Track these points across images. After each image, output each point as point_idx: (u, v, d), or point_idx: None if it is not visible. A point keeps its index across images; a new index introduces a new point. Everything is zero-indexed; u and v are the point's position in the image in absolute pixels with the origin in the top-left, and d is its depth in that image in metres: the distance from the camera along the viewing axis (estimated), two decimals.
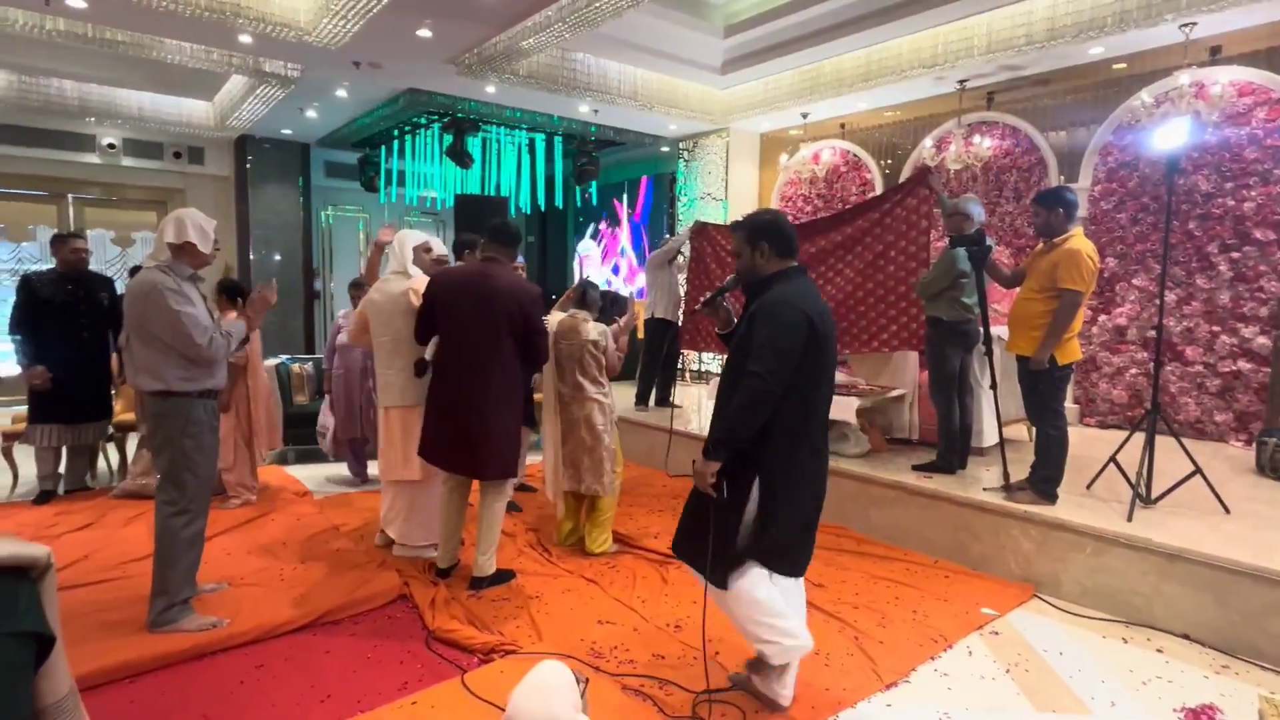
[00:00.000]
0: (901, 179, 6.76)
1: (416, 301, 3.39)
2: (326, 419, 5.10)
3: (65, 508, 4.36)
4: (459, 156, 7.76)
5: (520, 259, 4.34)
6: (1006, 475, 3.72)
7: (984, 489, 3.80)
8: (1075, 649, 2.86)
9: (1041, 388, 3.45)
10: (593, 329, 3.66)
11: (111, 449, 5.13)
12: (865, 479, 4.17)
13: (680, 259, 7.30)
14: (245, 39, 5.48)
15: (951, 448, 4.14)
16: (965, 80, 6.25)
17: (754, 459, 2.18)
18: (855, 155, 7.49)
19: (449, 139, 7.80)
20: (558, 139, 8.75)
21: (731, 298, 2.51)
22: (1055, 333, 3.33)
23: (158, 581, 2.77)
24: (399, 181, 8.91)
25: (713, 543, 2.18)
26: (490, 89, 6.82)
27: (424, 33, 5.41)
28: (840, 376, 4.89)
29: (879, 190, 7.20)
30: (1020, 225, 6.22)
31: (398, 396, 3.52)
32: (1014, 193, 6.27)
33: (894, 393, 4.78)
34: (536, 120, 7.89)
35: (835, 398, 4.35)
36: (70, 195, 8.57)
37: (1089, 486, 3.79)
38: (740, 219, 2.42)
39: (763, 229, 2.30)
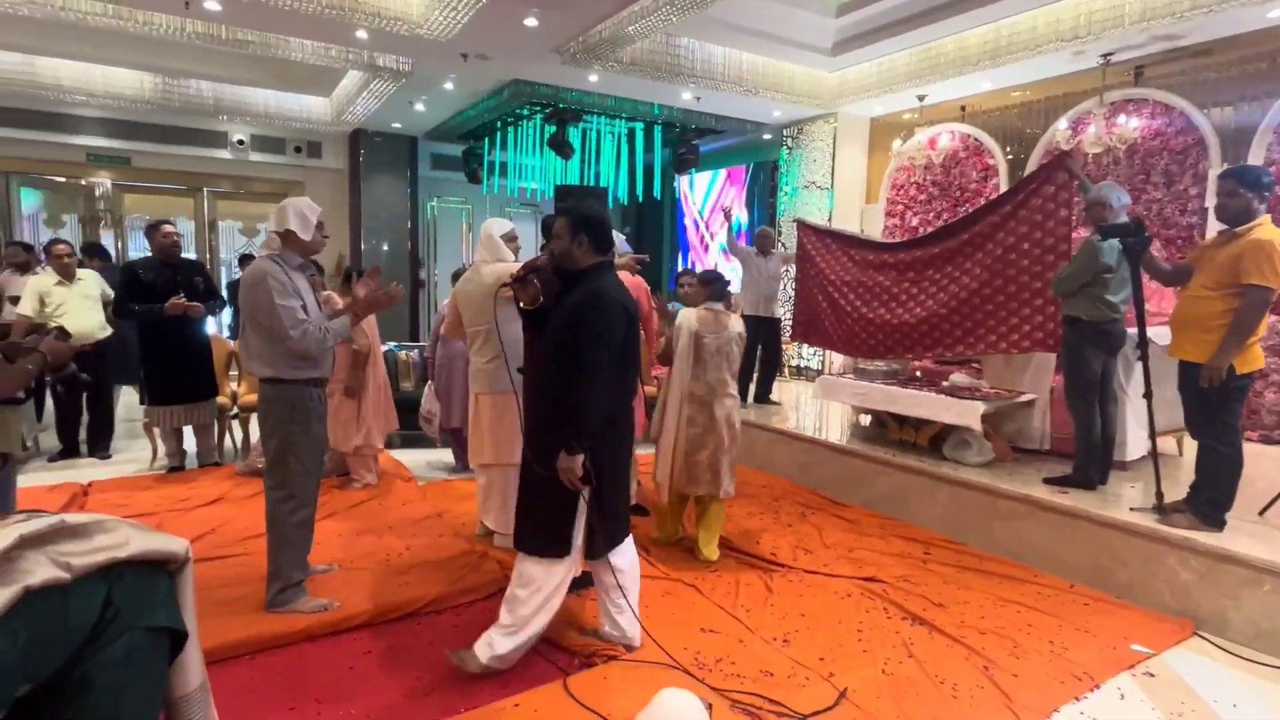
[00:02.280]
0: (1031, 166, 6.23)
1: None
2: (431, 404, 5.18)
3: (196, 482, 4.64)
4: (560, 147, 7.79)
5: (626, 247, 4.23)
6: (1160, 494, 3.31)
7: (1131, 509, 3.40)
8: (1251, 701, 2.49)
9: (1213, 399, 3.02)
10: (736, 322, 3.57)
11: (236, 427, 5.45)
12: (989, 490, 3.83)
13: (782, 249, 7.00)
14: (361, 34, 5.66)
15: (1091, 460, 3.74)
16: (1110, 54, 5.66)
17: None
18: (976, 140, 6.95)
19: (550, 130, 7.83)
20: (657, 128, 8.62)
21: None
22: (1239, 335, 2.90)
23: (271, 564, 2.85)
24: (501, 173, 9.06)
25: (598, 522, 2.43)
26: (593, 78, 6.77)
27: (530, 22, 5.41)
28: (962, 378, 4.53)
29: (1002, 178, 6.67)
30: (1170, 214, 5.58)
31: (487, 383, 3.47)
32: (1163, 178, 5.63)
33: (1023, 397, 4.38)
34: (637, 109, 7.80)
35: (957, 401, 4.09)
36: (205, 189, 9.22)
37: (1262, 513, 3.31)
38: (568, 208, 2.56)
39: (586, 222, 2.43)
